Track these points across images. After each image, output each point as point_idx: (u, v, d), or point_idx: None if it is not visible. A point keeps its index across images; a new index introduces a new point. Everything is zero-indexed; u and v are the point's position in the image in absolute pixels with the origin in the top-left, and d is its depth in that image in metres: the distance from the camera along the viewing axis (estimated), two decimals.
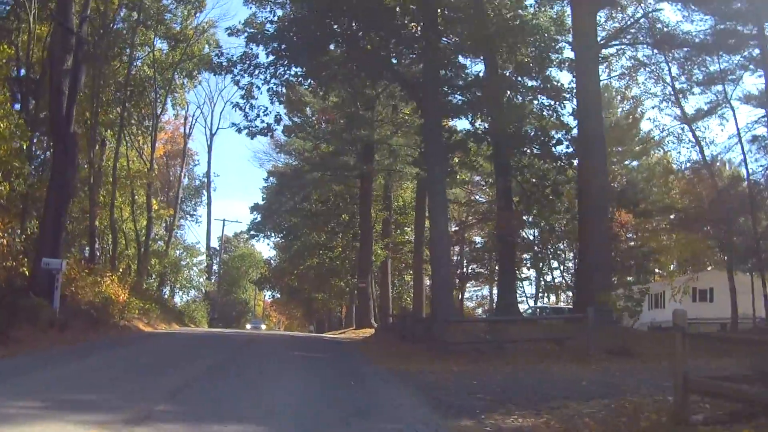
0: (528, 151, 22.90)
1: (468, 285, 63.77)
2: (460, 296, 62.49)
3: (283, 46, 19.46)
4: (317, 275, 49.51)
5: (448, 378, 10.60)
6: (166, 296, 43.38)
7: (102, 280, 21.43)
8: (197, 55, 33.72)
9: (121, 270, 26.12)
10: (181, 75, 35.19)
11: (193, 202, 57.17)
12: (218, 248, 56.26)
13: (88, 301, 18.67)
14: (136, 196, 32.92)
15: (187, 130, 41.41)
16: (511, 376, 10.76)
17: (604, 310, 15.39)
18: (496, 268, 25.99)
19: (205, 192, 53.66)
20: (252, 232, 66.86)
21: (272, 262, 60.42)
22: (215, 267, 56.14)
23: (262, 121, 21.03)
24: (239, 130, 21.28)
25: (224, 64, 21.08)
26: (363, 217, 34.47)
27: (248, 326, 49.31)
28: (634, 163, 37.42)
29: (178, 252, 38.24)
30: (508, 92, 21.64)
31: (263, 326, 52.16)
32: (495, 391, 8.89)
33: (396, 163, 33.59)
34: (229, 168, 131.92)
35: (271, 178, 56.93)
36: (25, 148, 19.79)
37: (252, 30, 20.85)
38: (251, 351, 15.84)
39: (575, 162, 22.25)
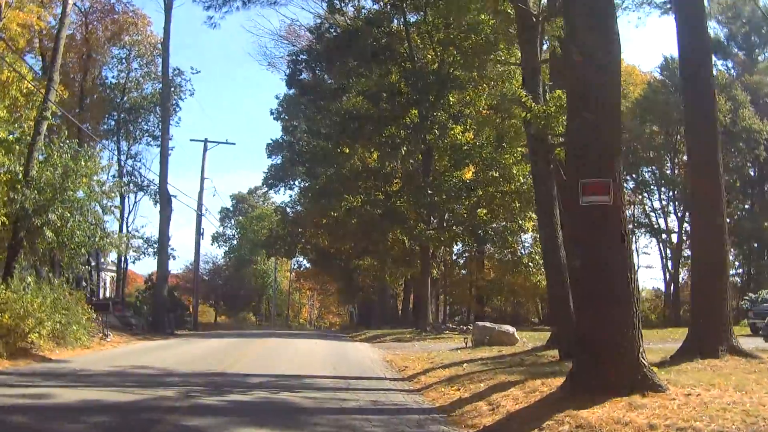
0: None
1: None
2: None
3: None
4: (361, 226, 28.52)
5: None
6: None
7: None
8: None
9: None
10: None
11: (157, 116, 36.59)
12: (201, 190, 34.10)
13: None
14: None
15: None
16: None
17: None
18: None
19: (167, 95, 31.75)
20: (271, 182, 47.07)
21: (289, 210, 39.82)
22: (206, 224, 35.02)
23: None
24: None
25: None
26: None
27: None
28: None
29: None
30: None
31: None
32: None
33: None
34: (229, 75, 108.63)
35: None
36: None
37: None
38: None
39: None
